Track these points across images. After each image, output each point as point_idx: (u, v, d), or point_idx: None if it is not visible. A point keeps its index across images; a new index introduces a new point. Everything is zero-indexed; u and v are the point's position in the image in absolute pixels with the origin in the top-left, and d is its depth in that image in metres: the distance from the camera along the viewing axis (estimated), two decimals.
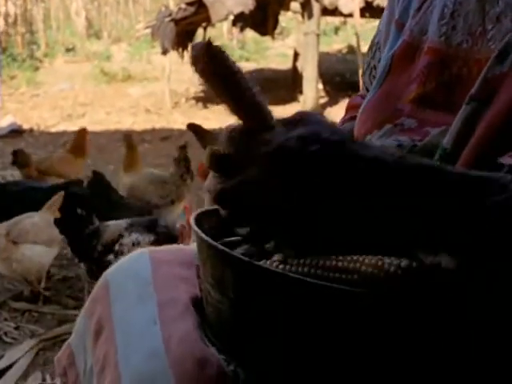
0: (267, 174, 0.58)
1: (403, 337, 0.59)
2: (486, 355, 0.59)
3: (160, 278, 0.79)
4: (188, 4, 6.87)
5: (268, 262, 0.63)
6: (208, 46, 0.60)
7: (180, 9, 6.88)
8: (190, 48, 0.60)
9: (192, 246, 0.88)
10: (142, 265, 0.82)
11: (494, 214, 0.55)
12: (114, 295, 0.80)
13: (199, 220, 0.72)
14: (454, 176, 0.58)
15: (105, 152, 5.59)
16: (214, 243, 0.65)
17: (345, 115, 1.00)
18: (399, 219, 0.57)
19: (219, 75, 0.60)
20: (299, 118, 0.63)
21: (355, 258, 0.64)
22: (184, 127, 6.33)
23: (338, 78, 8.46)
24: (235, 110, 0.62)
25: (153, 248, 0.87)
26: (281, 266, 0.63)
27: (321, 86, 7.22)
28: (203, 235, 0.66)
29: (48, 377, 2.27)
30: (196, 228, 0.68)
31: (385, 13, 0.90)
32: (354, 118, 0.92)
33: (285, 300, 0.61)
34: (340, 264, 0.65)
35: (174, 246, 0.90)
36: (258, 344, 0.64)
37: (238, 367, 0.67)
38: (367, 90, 0.93)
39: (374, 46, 0.92)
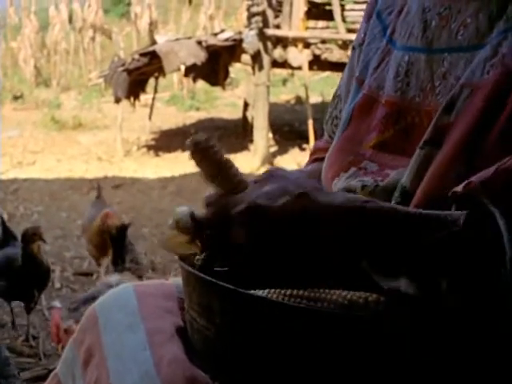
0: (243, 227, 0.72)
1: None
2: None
3: (146, 309, 0.87)
4: (141, 55, 7.02)
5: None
6: (197, 145, 0.76)
7: (133, 59, 7.01)
8: (188, 144, 0.76)
9: (171, 281, 0.97)
10: (128, 297, 0.89)
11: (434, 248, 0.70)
12: (102, 325, 0.87)
13: (183, 258, 0.81)
14: (404, 215, 0.73)
15: (57, 199, 5.57)
16: (201, 275, 0.74)
17: (310, 157, 1.11)
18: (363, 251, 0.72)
19: (208, 164, 0.77)
20: (268, 176, 0.80)
21: (327, 291, 0.74)
22: (136, 175, 6.40)
23: (287, 127, 8.67)
24: (218, 183, 0.78)
25: (137, 282, 0.96)
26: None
27: (270, 135, 7.41)
28: (190, 268, 0.75)
29: None
30: (182, 263, 0.77)
31: (346, 70, 1.03)
32: (317, 160, 1.04)
33: (267, 322, 0.69)
34: (312, 295, 0.74)
35: (155, 281, 0.98)
36: (243, 364, 0.72)
37: None
38: (329, 137, 1.04)
39: (336, 98, 1.04)
